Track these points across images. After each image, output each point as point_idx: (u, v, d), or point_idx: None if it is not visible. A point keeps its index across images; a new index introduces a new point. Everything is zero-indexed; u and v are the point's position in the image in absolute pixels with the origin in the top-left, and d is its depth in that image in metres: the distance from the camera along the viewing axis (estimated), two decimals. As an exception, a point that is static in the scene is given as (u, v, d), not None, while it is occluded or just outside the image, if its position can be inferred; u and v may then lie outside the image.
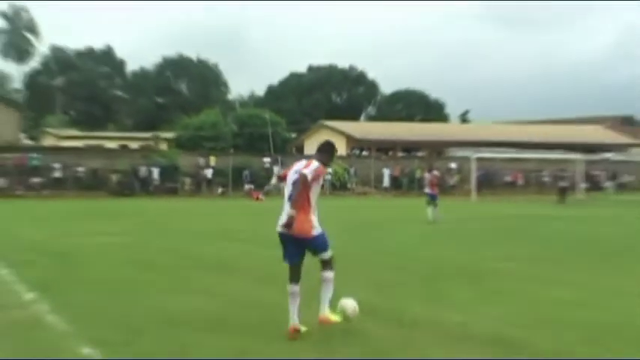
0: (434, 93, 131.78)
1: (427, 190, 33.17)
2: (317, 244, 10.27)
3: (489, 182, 67.01)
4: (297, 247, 10.22)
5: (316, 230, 10.20)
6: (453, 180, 66.22)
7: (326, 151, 10.91)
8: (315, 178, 10.19)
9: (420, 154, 77.34)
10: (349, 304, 10.25)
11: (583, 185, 61.18)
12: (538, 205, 48.26)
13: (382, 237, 25.83)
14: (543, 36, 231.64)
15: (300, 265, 10.41)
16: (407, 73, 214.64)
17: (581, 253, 21.04)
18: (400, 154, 77.02)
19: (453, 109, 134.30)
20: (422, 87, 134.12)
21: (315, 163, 10.34)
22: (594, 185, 66.82)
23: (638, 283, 15.50)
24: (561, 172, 56.22)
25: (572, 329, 10.70)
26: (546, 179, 69.88)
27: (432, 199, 32.46)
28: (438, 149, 78.68)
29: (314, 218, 10.24)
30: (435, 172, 34.63)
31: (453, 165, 68.51)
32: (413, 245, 23.00)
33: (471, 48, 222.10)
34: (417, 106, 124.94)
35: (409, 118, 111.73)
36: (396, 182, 66.33)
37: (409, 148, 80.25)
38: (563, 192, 51.23)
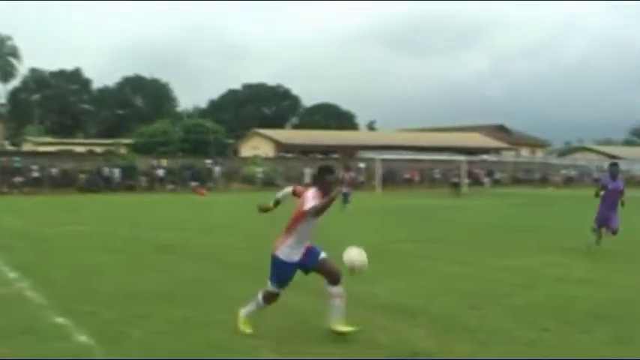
0: (346, 106, 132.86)
1: (344, 189, 33.00)
2: (272, 265, 8.50)
3: (391, 179, 67.52)
4: None
5: (280, 252, 8.43)
6: (362, 177, 66.65)
7: (317, 176, 8.81)
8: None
9: (335, 156, 77.50)
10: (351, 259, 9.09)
11: (466, 181, 61.89)
12: (432, 197, 48.73)
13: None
14: (435, 59, 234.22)
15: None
16: (324, 89, 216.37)
17: (470, 236, 21.27)
18: (319, 156, 77.07)
19: (362, 119, 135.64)
20: (336, 101, 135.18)
21: (312, 192, 8.48)
22: (475, 181, 67.61)
23: (515, 259, 15.74)
24: (454, 170, 56.83)
25: (461, 298, 10.80)
26: (437, 176, 70.67)
27: (345, 197, 32.38)
28: (349, 152, 78.93)
29: (289, 241, 8.44)
30: (352, 174, 34.52)
31: (362, 165, 68.96)
32: (330, 230, 22.97)
33: (376, 68, 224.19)
34: (332, 116, 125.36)
35: (326, 126, 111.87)
36: (312, 180, 66.34)
37: (326, 151, 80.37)
38: (455, 186, 51.76)
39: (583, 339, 8.39)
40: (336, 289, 8.55)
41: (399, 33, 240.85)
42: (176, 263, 14.96)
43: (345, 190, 32.58)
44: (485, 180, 71.19)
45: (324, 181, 8.52)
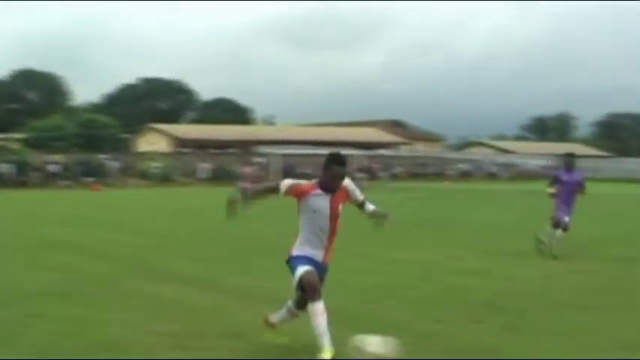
0: (245, 101, 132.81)
1: (242, 184, 32.57)
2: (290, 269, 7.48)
3: (290, 174, 67.54)
4: None
5: (292, 252, 7.49)
6: (251, 171, 66.29)
7: (323, 167, 7.31)
8: (293, 192, 7.30)
9: (232, 151, 77.20)
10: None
11: (363, 175, 62.35)
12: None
13: (200, 219, 25.70)
14: (333, 55, 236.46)
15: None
16: (223, 85, 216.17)
17: (368, 230, 21.40)
18: (216, 151, 76.66)
19: (261, 114, 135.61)
20: (235, 96, 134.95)
21: (303, 182, 7.43)
22: (372, 176, 68.21)
23: (412, 252, 16.02)
24: (352, 164, 57.26)
25: (359, 292, 10.95)
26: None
27: (244, 192, 31.89)
28: (247, 147, 78.72)
29: (296, 241, 7.50)
30: (254, 168, 34.10)
31: (261, 160, 68.81)
32: (225, 225, 22.90)
33: (275, 63, 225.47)
34: (230, 111, 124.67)
35: (224, 121, 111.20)
36: (213, 175, 66.17)
37: (224, 146, 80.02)
38: (362, 181, 52.30)
39: (475, 329, 8.65)
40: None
41: (297, 29, 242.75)
42: (71, 260, 14.72)
43: (247, 185, 32.23)
44: (383, 174, 71.90)
45: (330, 171, 7.17)
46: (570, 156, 15.93)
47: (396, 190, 51.30)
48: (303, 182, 7.35)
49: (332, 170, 7.12)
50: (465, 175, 79.11)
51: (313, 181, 7.32)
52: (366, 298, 10.47)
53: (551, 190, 15.55)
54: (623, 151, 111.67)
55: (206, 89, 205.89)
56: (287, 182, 7.35)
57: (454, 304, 10.14)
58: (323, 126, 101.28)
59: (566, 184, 15.36)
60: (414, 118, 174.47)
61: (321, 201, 7.21)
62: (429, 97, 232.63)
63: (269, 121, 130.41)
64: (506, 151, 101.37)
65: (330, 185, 7.18)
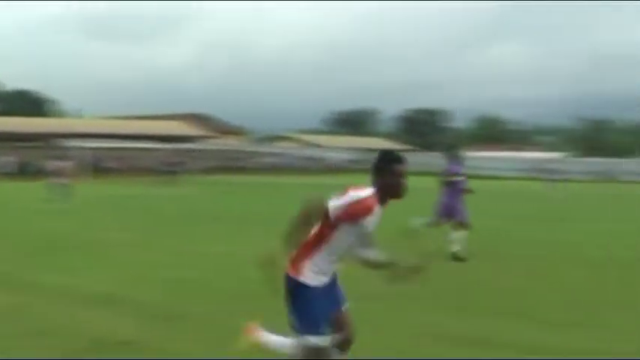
0: (52, 93, 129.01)
1: (57, 179, 31.53)
2: (292, 299, 5.40)
3: (97, 168, 66.18)
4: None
5: (305, 277, 5.29)
6: (67, 166, 64.58)
7: (377, 170, 5.31)
8: (349, 216, 5.09)
9: (37, 144, 74.63)
10: None
11: (171, 169, 61.72)
12: (141, 186, 48.19)
13: (4, 216, 24.78)
14: (140, 47, 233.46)
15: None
16: (26, 76, 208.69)
17: (178, 224, 21.33)
18: (20, 144, 73.87)
19: (69, 106, 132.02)
20: (40, 87, 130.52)
21: (360, 193, 5.12)
22: (179, 170, 67.30)
23: (224, 245, 16.10)
24: (160, 158, 56.63)
25: (169, 286, 10.94)
26: (142, 164, 69.96)
27: (61, 187, 31.02)
28: (53, 140, 76.33)
29: (316, 260, 5.28)
30: (67, 163, 32.96)
31: (67, 153, 66.95)
32: (29, 222, 22.21)
33: (83, 55, 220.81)
34: (34, 103, 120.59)
35: (28, 114, 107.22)
36: (19, 169, 63.95)
37: (27, 139, 77.22)
38: (163, 175, 51.81)
39: (283, 321, 8.85)
40: (341, 356, 5.68)
41: (102, 20, 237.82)
42: None
43: (58, 180, 31.32)
44: (189, 168, 71.44)
45: (393, 173, 5.25)
46: (458, 149, 16.06)
47: (204, 184, 51.43)
48: (354, 198, 5.14)
49: (395, 171, 5.28)
50: (273, 169, 79.82)
51: (371, 192, 5.22)
52: (177, 292, 10.46)
53: (459, 178, 14.79)
54: (426, 146, 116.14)
55: (9, 80, 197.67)
56: (337, 204, 5.18)
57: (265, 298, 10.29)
58: (128, 119, 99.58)
59: (460, 179, 14.88)
60: (221, 111, 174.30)
61: (376, 219, 5.35)
62: (235, 91, 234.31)
63: (76, 114, 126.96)
64: (312, 145, 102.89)
65: (395, 192, 5.29)
